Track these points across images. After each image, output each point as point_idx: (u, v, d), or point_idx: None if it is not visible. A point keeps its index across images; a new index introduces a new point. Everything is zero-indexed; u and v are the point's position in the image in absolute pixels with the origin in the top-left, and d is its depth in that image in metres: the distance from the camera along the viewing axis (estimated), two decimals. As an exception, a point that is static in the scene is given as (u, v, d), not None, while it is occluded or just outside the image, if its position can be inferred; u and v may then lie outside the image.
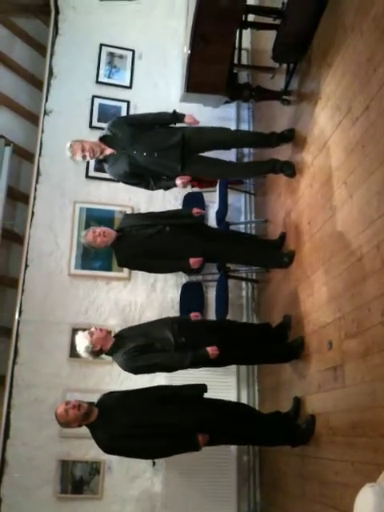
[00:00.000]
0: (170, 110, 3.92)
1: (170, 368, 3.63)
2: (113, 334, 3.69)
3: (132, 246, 3.85)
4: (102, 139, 3.87)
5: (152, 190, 4.10)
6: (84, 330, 3.60)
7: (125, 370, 3.55)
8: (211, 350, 3.38)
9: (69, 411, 3.19)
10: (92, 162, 5.34)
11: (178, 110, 3.91)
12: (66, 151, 3.85)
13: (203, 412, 3.36)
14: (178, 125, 3.92)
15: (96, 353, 3.49)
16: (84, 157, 3.85)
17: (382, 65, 2.48)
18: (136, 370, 3.56)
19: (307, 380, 3.37)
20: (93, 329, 3.51)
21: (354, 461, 2.57)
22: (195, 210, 3.99)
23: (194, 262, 3.79)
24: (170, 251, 3.83)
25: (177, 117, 3.87)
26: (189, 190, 5.46)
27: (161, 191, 5.33)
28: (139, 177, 3.98)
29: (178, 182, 3.90)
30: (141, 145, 3.80)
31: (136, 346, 3.44)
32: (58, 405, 3.32)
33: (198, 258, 3.81)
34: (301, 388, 3.50)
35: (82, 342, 3.46)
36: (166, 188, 4.12)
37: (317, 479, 3.09)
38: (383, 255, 2.39)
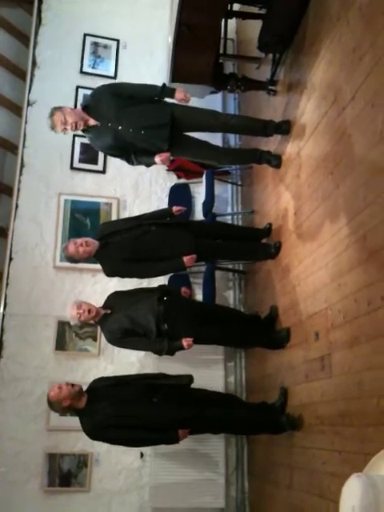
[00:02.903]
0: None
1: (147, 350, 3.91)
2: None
3: (119, 251, 3.69)
4: (85, 109, 3.62)
5: (132, 164, 3.87)
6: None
7: (108, 342, 3.81)
8: (186, 343, 3.50)
9: (63, 388, 3.35)
10: (77, 154, 5.32)
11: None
12: (47, 120, 3.60)
13: (187, 406, 3.47)
14: (168, 100, 3.69)
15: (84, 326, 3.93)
16: (64, 130, 3.58)
17: (367, 54, 2.47)
18: (118, 346, 3.92)
19: (294, 370, 3.38)
20: (81, 310, 3.59)
21: (342, 450, 2.59)
22: (175, 209, 3.91)
23: (187, 259, 3.68)
24: (160, 251, 3.72)
25: (166, 91, 3.61)
26: (175, 181, 5.45)
27: (147, 182, 5.39)
28: (122, 150, 3.76)
29: (157, 159, 3.65)
30: (127, 120, 3.57)
31: (120, 327, 3.59)
32: (51, 388, 3.46)
33: (192, 255, 3.69)
34: (288, 378, 3.51)
35: (73, 319, 3.64)
36: (148, 165, 3.88)
37: (304, 469, 3.11)
38: (370, 245, 2.39)
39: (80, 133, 3.79)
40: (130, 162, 3.83)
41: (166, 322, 3.56)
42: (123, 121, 3.57)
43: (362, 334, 2.42)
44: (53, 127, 3.59)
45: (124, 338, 3.62)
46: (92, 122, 3.62)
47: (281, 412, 3.46)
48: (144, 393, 3.47)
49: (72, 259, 3.73)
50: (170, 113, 3.62)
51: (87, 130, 3.66)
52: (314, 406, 3.03)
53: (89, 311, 3.59)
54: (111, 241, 3.73)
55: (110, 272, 3.85)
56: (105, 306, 3.71)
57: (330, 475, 2.71)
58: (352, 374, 2.51)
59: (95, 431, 3.42)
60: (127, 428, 3.37)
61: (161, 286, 3.97)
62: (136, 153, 3.74)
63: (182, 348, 3.54)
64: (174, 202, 5.10)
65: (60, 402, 3.36)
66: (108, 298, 3.81)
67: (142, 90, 3.66)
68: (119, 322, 3.60)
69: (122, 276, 4.16)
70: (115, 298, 3.78)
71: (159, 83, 3.66)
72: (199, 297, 4.94)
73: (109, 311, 3.67)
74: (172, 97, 3.61)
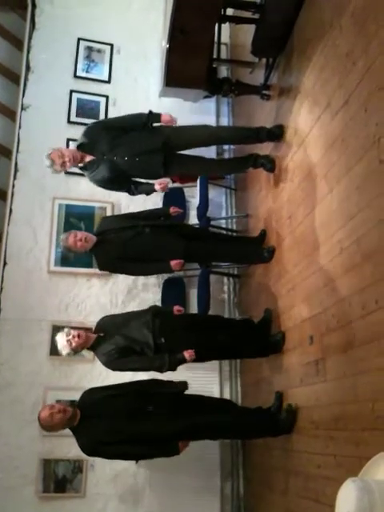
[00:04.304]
0: (149, 107, 3.82)
1: (148, 370, 3.69)
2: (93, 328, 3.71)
3: (112, 249, 3.77)
4: (80, 147, 3.70)
5: (133, 195, 4.00)
6: (63, 328, 3.62)
7: (105, 367, 3.62)
8: (188, 355, 3.43)
9: (54, 415, 3.21)
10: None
11: (155, 109, 3.78)
12: (44, 160, 3.67)
13: (182, 415, 3.38)
14: (156, 124, 3.76)
15: (77, 352, 3.60)
16: (63, 165, 3.66)
17: (360, 59, 2.48)
18: (116, 370, 3.64)
19: (289, 374, 3.37)
20: (71, 336, 3.46)
21: (336, 454, 2.59)
22: (173, 209, 3.94)
23: (174, 264, 3.74)
24: (150, 253, 3.77)
25: (153, 117, 3.70)
26: (169, 185, 5.44)
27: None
28: (120, 182, 3.86)
29: (157, 187, 3.83)
30: (121, 149, 3.65)
31: (116, 347, 3.49)
32: (42, 408, 3.37)
33: (179, 260, 3.75)
34: (283, 383, 3.51)
35: (64, 348, 3.49)
36: (148, 193, 4.02)
37: (300, 473, 3.10)
38: (363, 250, 2.39)
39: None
40: (130, 192, 3.95)
41: (163, 335, 3.52)
42: (117, 151, 3.66)
43: (357, 337, 2.42)
44: (52, 165, 3.68)
45: (121, 359, 3.49)
46: (88, 158, 3.71)
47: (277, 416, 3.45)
48: (137, 403, 3.36)
49: (68, 250, 3.86)
50: (162, 137, 3.69)
51: (84, 167, 3.75)
52: (308, 410, 3.03)
53: (78, 336, 3.46)
54: (106, 238, 3.80)
55: (102, 266, 3.98)
56: (96, 331, 3.64)
57: (325, 479, 2.71)
58: (346, 378, 2.51)
59: (92, 448, 3.33)
60: (124, 444, 3.28)
61: (152, 307, 3.92)
62: (135, 184, 3.88)
63: (183, 361, 3.45)
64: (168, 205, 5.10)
65: (52, 427, 3.28)
66: (99, 322, 3.72)
67: (130, 120, 3.74)
68: (114, 342, 3.51)
69: (114, 272, 4.37)
70: (107, 322, 3.72)
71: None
72: (194, 302, 4.93)
73: (102, 334, 3.59)
74: (159, 121, 3.70)
